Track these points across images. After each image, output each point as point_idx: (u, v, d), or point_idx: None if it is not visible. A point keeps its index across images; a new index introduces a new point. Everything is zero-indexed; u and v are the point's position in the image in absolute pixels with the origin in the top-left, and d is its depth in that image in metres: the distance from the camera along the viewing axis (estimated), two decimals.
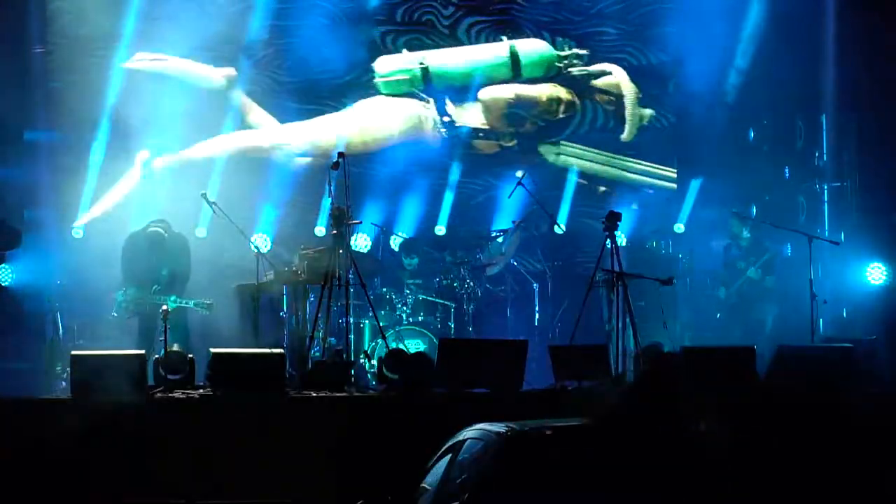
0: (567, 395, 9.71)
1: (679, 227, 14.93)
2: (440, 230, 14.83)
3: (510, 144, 15.34)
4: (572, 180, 15.14)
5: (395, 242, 14.19)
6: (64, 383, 10.98)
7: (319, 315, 11.13)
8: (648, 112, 15.33)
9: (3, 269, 13.37)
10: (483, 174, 15.23)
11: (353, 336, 11.81)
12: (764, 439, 8.09)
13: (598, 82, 15.35)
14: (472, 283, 13.37)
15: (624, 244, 13.73)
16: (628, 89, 15.29)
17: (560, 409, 8.50)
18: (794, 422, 9.19)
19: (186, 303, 11.79)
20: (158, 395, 9.45)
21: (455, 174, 15.10)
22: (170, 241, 12.14)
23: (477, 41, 15.33)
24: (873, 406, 9.42)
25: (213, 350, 9.75)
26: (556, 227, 14.05)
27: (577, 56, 15.31)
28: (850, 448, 8.99)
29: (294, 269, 12.42)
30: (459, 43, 15.28)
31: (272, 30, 14.85)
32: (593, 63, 15.34)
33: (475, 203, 15.14)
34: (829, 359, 10.07)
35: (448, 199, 15.03)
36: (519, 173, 13.56)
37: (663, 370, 5.15)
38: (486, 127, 15.32)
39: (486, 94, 15.25)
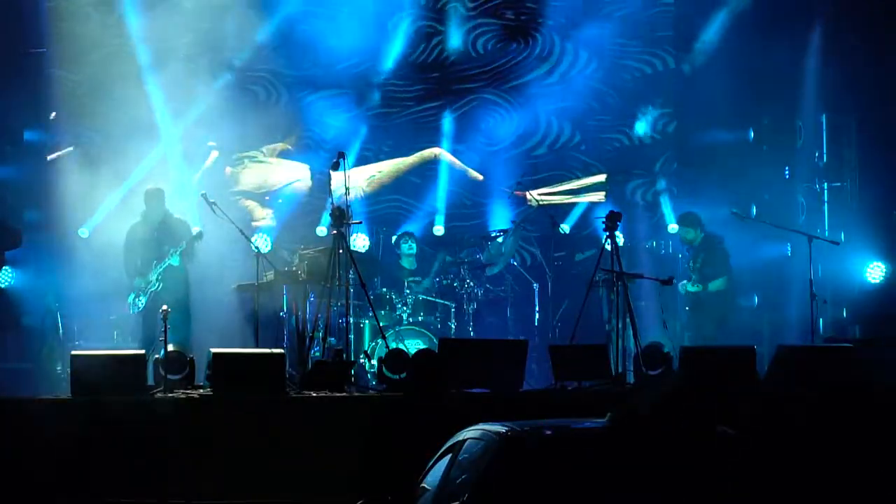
0: (567, 395, 9.71)
1: (672, 228, 14.92)
2: (438, 230, 14.82)
3: None
4: None
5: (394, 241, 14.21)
6: (64, 383, 10.97)
7: (319, 315, 11.14)
8: None
9: (4, 272, 13.34)
10: None
11: (353, 336, 11.80)
12: (764, 439, 8.09)
13: None
14: (472, 283, 13.37)
15: (621, 244, 13.69)
16: None
17: (560, 409, 8.50)
18: (794, 421, 9.19)
19: (182, 247, 11.78)
20: (158, 395, 9.45)
21: None
22: (170, 217, 12.12)
23: (474, 46, 15.40)
24: (873, 405, 9.42)
25: (213, 350, 9.75)
26: (560, 228, 14.08)
27: None
28: (851, 446, 9.00)
29: (294, 269, 12.43)
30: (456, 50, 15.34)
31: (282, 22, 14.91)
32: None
33: None
34: (829, 359, 10.08)
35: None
36: None
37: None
38: None
39: None
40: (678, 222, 13.34)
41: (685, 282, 12.82)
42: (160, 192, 12.14)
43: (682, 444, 5.14)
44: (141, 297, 11.80)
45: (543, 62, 15.45)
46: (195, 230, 11.93)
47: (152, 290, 11.76)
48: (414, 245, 13.62)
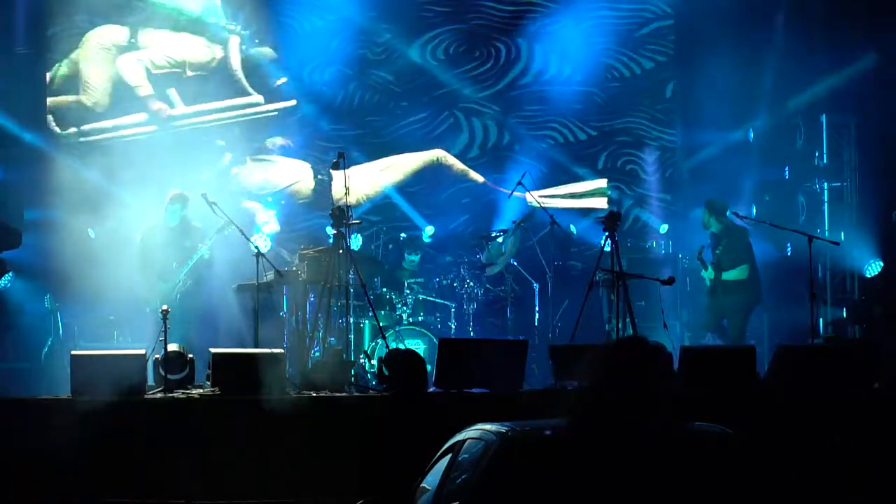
0: (567, 396, 9.70)
1: (663, 228, 14.92)
2: (430, 230, 14.75)
3: None
4: None
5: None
6: (64, 383, 10.96)
7: (319, 315, 11.14)
8: None
9: (6, 275, 13.30)
10: None
11: (353, 336, 11.80)
12: (764, 439, 8.09)
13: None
14: (472, 283, 13.37)
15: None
16: None
17: (560, 410, 8.49)
18: (796, 421, 9.19)
19: (211, 239, 11.70)
20: (158, 395, 9.45)
21: None
22: (188, 222, 12.07)
23: (439, 55, 15.43)
24: (873, 404, 9.42)
25: (213, 350, 9.75)
26: (570, 227, 14.12)
27: None
28: (851, 445, 9.00)
29: (294, 269, 12.42)
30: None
31: None
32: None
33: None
34: (828, 358, 10.08)
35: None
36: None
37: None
38: None
39: None
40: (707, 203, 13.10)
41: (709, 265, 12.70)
42: (185, 197, 12.00)
43: (682, 444, 5.14)
44: (168, 299, 11.63)
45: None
46: (221, 223, 11.69)
47: (182, 290, 11.70)
48: (416, 257, 13.58)
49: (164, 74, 14.77)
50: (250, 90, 14.91)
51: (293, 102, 14.96)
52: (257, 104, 14.91)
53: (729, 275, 12.51)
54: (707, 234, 12.97)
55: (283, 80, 14.94)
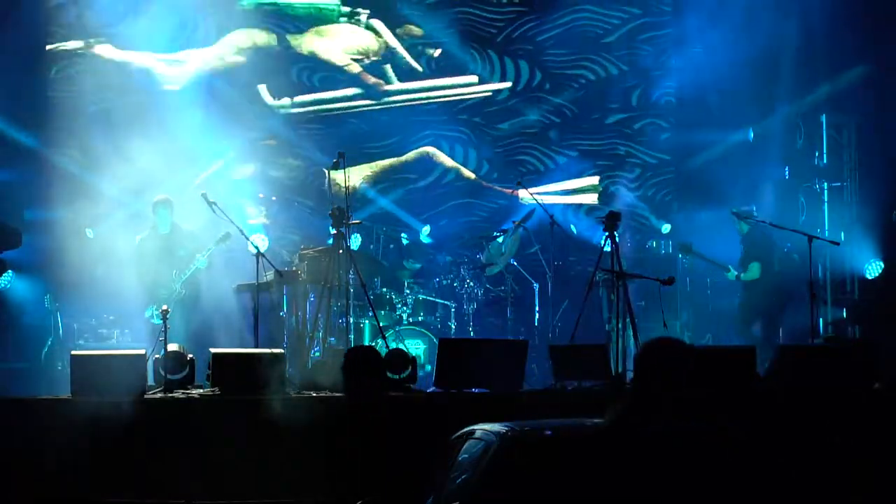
0: (567, 395, 9.71)
1: (666, 227, 14.92)
2: (426, 230, 14.74)
3: None
4: None
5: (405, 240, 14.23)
6: (64, 383, 10.96)
7: (319, 315, 11.13)
8: None
9: (6, 275, 13.31)
10: None
11: (353, 336, 11.80)
12: (764, 439, 8.09)
13: None
14: (472, 283, 13.38)
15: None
16: None
17: (560, 409, 8.50)
18: (796, 421, 9.19)
19: (209, 250, 11.65)
20: (158, 395, 9.45)
21: None
22: (179, 229, 12.04)
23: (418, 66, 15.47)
24: (873, 404, 9.42)
25: (213, 350, 9.75)
26: (571, 227, 14.14)
27: None
28: (851, 445, 9.00)
29: (294, 269, 12.43)
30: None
31: None
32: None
33: None
34: (828, 358, 10.07)
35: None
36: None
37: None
38: None
39: None
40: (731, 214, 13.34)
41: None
42: (169, 201, 11.99)
43: (680, 444, 5.15)
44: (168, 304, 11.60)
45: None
46: (222, 233, 11.70)
47: (179, 298, 11.67)
48: (418, 266, 13.60)
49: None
50: (417, 65, 15.25)
51: (509, 84, 15.28)
52: (471, 84, 15.20)
53: (745, 276, 12.89)
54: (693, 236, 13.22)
55: (439, 51, 15.16)
